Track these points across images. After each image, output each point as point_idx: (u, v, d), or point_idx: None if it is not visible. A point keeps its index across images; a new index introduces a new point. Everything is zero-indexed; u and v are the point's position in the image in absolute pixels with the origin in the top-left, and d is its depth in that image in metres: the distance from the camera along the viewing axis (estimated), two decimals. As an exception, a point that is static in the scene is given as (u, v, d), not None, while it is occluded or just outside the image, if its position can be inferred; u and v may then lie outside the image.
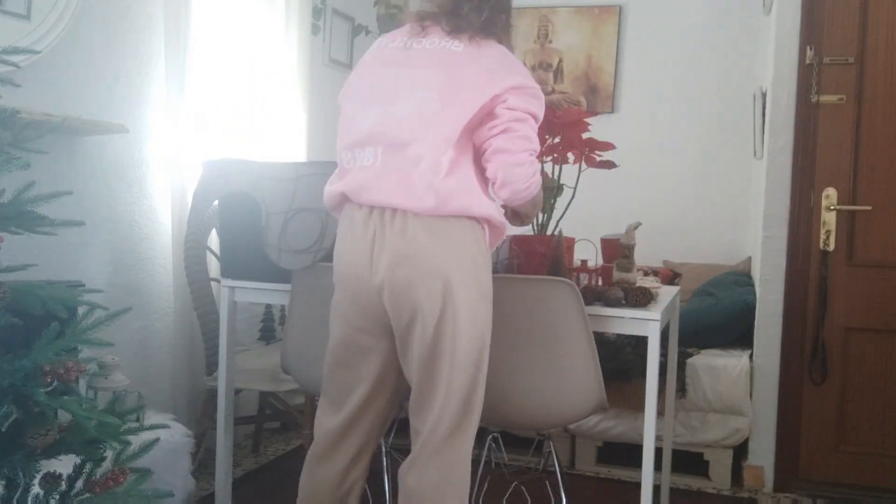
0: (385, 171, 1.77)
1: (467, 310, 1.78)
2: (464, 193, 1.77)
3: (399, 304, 1.78)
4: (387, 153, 1.78)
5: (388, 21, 4.17)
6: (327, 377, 1.97)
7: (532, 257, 2.22)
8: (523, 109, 1.77)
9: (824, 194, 3.07)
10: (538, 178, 1.84)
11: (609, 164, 2.28)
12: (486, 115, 1.77)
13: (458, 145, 1.75)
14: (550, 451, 2.39)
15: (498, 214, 1.84)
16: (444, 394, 1.82)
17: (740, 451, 3.23)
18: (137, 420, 2.02)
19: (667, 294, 2.39)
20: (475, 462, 2.45)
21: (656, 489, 2.29)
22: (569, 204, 2.26)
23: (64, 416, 1.49)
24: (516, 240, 2.29)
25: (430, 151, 1.74)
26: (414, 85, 1.79)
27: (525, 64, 4.39)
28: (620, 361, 3.12)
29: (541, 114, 1.82)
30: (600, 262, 2.47)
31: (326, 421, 1.97)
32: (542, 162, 2.26)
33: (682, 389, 3.14)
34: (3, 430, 1.44)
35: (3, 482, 1.45)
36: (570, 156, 2.27)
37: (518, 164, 1.76)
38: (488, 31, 1.83)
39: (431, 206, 1.74)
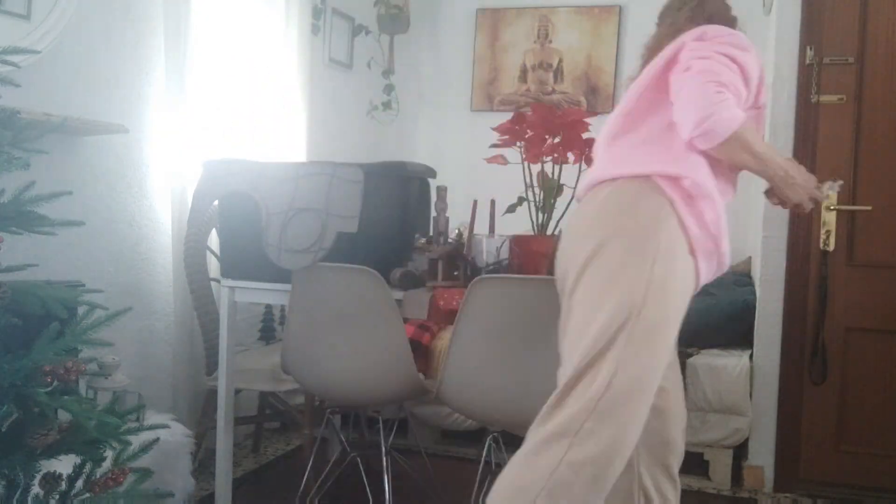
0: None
1: (606, 271, 1.62)
2: (627, 154, 1.72)
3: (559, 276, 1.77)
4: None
5: (389, 21, 4.18)
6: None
7: (532, 257, 2.22)
8: (709, 51, 1.66)
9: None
10: (732, 111, 1.60)
11: (609, 164, 2.28)
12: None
13: (638, 115, 1.75)
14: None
15: (678, 168, 1.65)
16: (568, 358, 1.68)
17: (740, 451, 3.23)
18: (137, 420, 2.02)
19: (667, 294, 2.39)
20: (475, 462, 2.45)
21: (656, 489, 2.28)
22: (569, 204, 2.26)
23: (64, 416, 1.49)
24: (516, 240, 2.29)
25: (613, 130, 1.78)
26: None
27: (525, 64, 4.40)
28: (620, 361, 3.11)
29: (743, 60, 1.69)
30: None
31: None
32: (542, 162, 2.27)
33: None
34: (3, 430, 1.44)
35: (3, 482, 1.45)
36: (570, 156, 2.27)
37: (701, 89, 1.60)
38: (693, 23, 1.84)
39: (594, 178, 1.75)
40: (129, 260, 2.79)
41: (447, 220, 2.48)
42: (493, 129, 2.34)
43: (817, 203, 1.87)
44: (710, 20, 1.86)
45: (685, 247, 1.67)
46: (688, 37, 1.74)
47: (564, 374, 1.69)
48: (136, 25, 2.77)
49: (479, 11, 4.49)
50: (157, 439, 1.65)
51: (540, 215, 2.28)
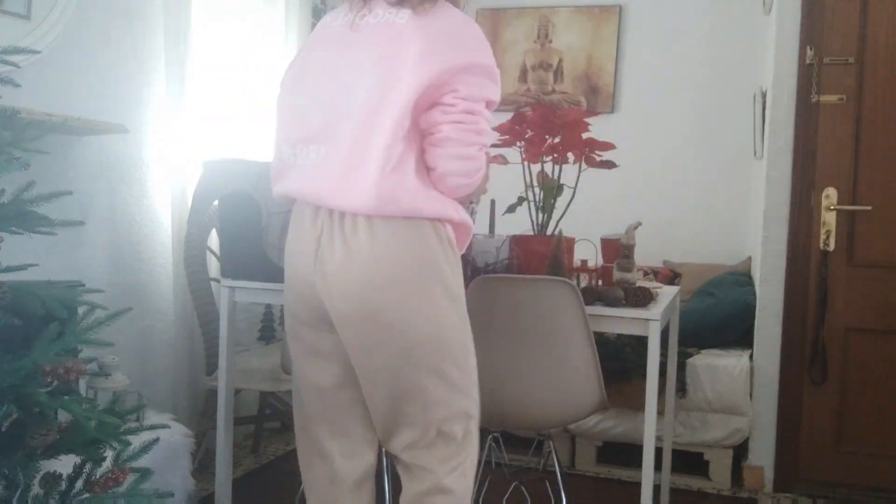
0: (329, 168, 1.60)
1: (433, 315, 1.62)
2: (414, 192, 1.59)
3: (349, 310, 1.60)
4: (331, 150, 1.61)
5: None
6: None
7: (532, 257, 2.22)
8: (477, 98, 1.59)
9: (824, 194, 3.07)
10: (482, 175, 1.68)
11: (609, 164, 2.28)
12: (436, 96, 1.58)
13: (407, 136, 1.57)
14: (550, 451, 2.39)
15: (456, 212, 1.66)
16: (421, 408, 1.65)
17: (740, 451, 3.23)
18: (137, 420, 2.02)
19: (667, 294, 2.39)
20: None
21: (656, 489, 2.29)
22: (569, 204, 2.26)
23: (64, 416, 1.49)
24: (516, 240, 2.29)
25: (375, 145, 1.55)
26: (358, 69, 1.60)
27: (525, 64, 4.40)
28: (620, 361, 3.12)
29: (496, 97, 1.64)
30: (600, 262, 2.47)
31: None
32: (542, 162, 2.27)
33: (682, 389, 3.14)
34: (3, 430, 1.44)
35: (3, 482, 1.45)
36: (570, 156, 2.27)
37: (464, 157, 1.60)
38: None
39: (377, 206, 1.56)
40: (129, 260, 2.79)
41: (447, 220, 2.48)
42: (493, 129, 2.34)
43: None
44: None
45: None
46: (450, 60, 1.57)
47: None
48: (135, 25, 2.77)
49: (479, 11, 4.48)
50: (157, 439, 1.65)
51: (540, 215, 2.28)
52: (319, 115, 1.64)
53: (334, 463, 1.76)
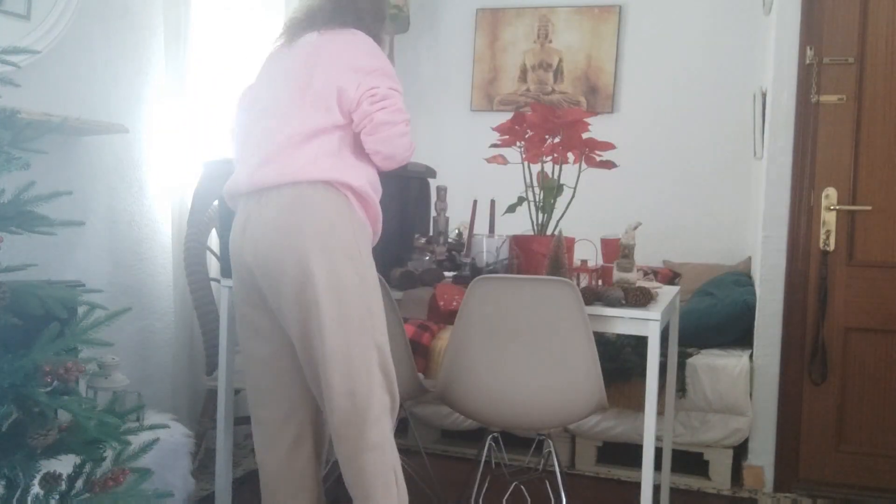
0: (249, 163, 1.95)
1: (329, 273, 1.84)
2: (309, 162, 1.88)
3: (263, 270, 1.89)
4: (250, 146, 1.98)
5: (388, 21, 4.17)
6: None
7: (532, 257, 2.22)
8: (388, 87, 1.93)
9: (824, 194, 3.07)
10: (412, 147, 2.00)
11: (609, 164, 2.28)
12: (350, 94, 1.90)
13: (311, 123, 1.90)
14: (550, 451, 2.39)
15: (359, 182, 1.92)
16: (326, 367, 1.85)
17: (740, 451, 3.23)
18: (137, 420, 2.02)
19: (667, 294, 2.39)
20: (475, 462, 2.45)
21: (656, 489, 2.29)
22: (569, 204, 2.26)
23: (64, 416, 1.49)
24: (516, 240, 2.29)
25: (286, 135, 1.90)
26: (278, 79, 2.00)
27: (525, 64, 4.40)
28: (620, 361, 3.12)
29: (400, 88, 1.98)
30: (600, 262, 2.47)
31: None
32: (542, 162, 2.27)
33: (682, 389, 3.14)
34: (3, 430, 1.44)
35: (3, 482, 1.45)
36: (570, 156, 2.27)
37: (400, 134, 1.93)
38: (343, 20, 2.00)
39: (277, 178, 1.87)
40: (129, 260, 2.79)
41: (447, 220, 2.48)
42: (493, 128, 2.34)
43: None
44: (360, 21, 2.06)
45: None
46: (356, 63, 1.94)
47: None
48: (135, 25, 2.77)
49: (479, 11, 4.48)
50: (157, 439, 1.65)
51: (540, 215, 2.28)
52: (258, 132, 2.01)
53: (268, 428, 2.03)
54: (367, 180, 1.95)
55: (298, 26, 2.03)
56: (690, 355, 3.24)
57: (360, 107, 1.90)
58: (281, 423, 2.03)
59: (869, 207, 3.03)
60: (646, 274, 2.73)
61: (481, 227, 2.48)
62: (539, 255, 2.20)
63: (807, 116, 3.08)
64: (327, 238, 1.86)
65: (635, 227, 2.33)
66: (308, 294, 1.83)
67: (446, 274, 2.37)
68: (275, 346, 1.99)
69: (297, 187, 1.87)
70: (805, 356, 3.12)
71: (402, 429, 3.38)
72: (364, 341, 1.88)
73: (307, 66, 1.94)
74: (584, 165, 2.27)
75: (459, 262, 2.39)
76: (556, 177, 2.28)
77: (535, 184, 2.27)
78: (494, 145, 2.34)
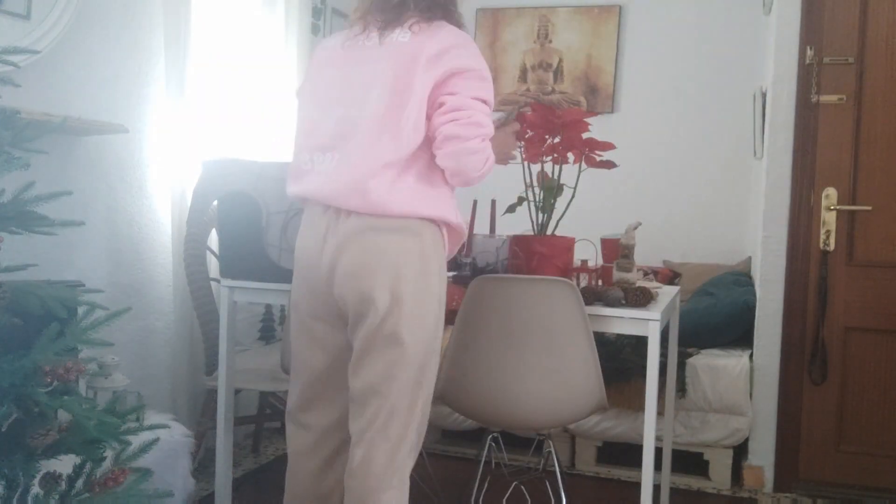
0: (339, 173, 1.78)
1: (416, 306, 1.76)
2: (415, 196, 1.76)
3: (347, 290, 1.78)
4: (343, 156, 1.78)
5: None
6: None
7: (532, 257, 2.22)
8: (470, 95, 1.74)
9: (824, 194, 3.07)
10: (491, 164, 1.80)
11: (609, 164, 2.28)
12: (437, 102, 1.74)
13: (410, 143, 1.74)
14: (550, 451, 2.39)
15: (454, 216, 1.83)
16: (384, 395, 1.77)
17: (740, 451, 3.23)
18: (137, 420, 2.02)
19: (667, 294, 2.39)
20: (475, 462, 2.45)
21: (656, 489, 2.29)
22: (569, 204, 2.26)
23: (64, 416, 1.49)
24: (516, 240, 2.29)
25: (382, 153, 1.73)
26: (368, 84, 1.78)
27: (525, 64, 4.40)
28: (620, 361, 3.12)
29: (490, 97, 1.79)
30: (600, 262, 2.47)
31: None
32: (542, 162, 2.27)
33: (682, 389, 3.14)
34: (3, 430, 1.44)
35: (3, 482, 1.45)
36: (570, 156, 2.27)
37: (470, 151, 1.73)
38: (431, 13, 1.80)
39: (381, 209, 1.73)
40: (129, 260, 2.79)
41: (447, 220, 2.48)
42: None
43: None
44: (447, 15, 1.84)
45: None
46: (444, 67, 1.73)
47: None
48: (135, 25, 2.77)
49: (479, 11, 4.48)
50: (157, 439, 1.65)
51: (540, 215, 2.28)
52: (332, 125, 1.81)
53: (312, 433, 1.95)
54: (457, 210, 1.85)
55: (385, 20, 1.81)
56: (690, 355, 3.24)
57: (432, 116, 1.75)
58: (326, 431, 1.94)
59: (869, 207, 3.03)
60: (646, 274, 2.73)
61: (481, 227, 2.48)
62: (539, 255, 2.20)
63: (807, 116, 3.08)
64: (422, 278, 1.77)
65: (635, 227, 2.33)
66: (392, 319, 1.75)
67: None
68: (334, 359, 1.90)
69: (405, 221, 1.75)
70: (805, 356, 3.12)
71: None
72: (421, 380, 1.81)
73: (407, 72, 1.74)
74: (584, 165, 2.26)
75: (459, 262, 2.39)
76: (556, 177, 2.28)
77: (535, 184, 2.27)
78: (494, 145, 2.33)
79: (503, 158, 2.06)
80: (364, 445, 1.79)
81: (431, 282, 1.80)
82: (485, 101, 1.77)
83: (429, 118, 1.75)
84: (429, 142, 1.77)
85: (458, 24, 1.85)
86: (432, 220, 1.79)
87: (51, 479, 1.50)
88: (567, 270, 2.21)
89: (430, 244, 1.80)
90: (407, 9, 1.79)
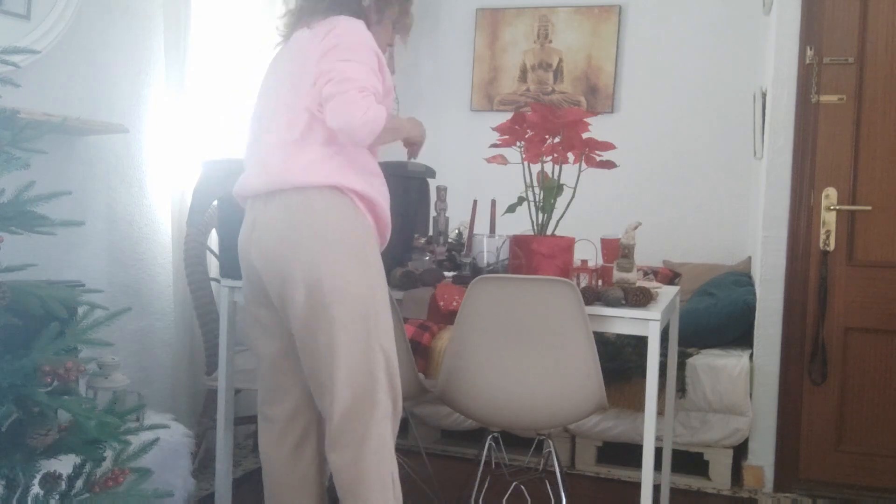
0: (253, 164, 1.97)
1: (337, 278, 1.83)
2: (313, 165, 1.86)
3: (270, 273, 1.90)
4: (254, 148, 1.98)
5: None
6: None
7: (532, 257, 2.22)
8: (338, 58, 1.83)
9: (824, 194, 3.07)
10: (375, 115, 1.80)
11: (609, 164, 2.28)
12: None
13: (305, 122, 1.88)
14: (550, 451, 2.39)
15: (363, 186, 1.90)
16: (331, 368, 1.85)
17: (740, 451, 3.23)
18: (137, 420, 2.02)
19: (667, 294, 2.39)
20: (475, 462, 2.45)
21: (656, 489, 2.29)
22: (569, 204, 2.26)
23: (64, 416, 1.49)
24: (517, 240, 2.29)
25: (281, 135, 1.90)
26: (275, 80, 1.99)
27: (525, 64, 4.40)
28: (620, 361, 3.12)
29: (367, 58, 1.86)
30: (600, 262, 2.47)
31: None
32: (542, 162, 2.26)
33: (682, 389, 3.14)
34: (3, 430, 1.44)
35: (3, 482, 1.45)
36: (570, 156, 2.27)
37: (349, 101, 1.78)
38: (332, 12, 1.94)
39: (282, 182, 1.87)
40: (129, 260, 2.79)
41: (447, 220, 2.48)
42: (493, 128, 2.34)
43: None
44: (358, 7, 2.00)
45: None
46: (321, 45, 1.87)
47: None
48: (135, 25, 2.77)
49: (479, 11, 4.48)
50: (157, 439, 1.65)
51: (540, 215, 2.28)
52: (255, 127, 2.02)
53: (276, 425, 2.05)
54: (372, 185, 1.94)
55: (292, 21, 2.04)
56: (690, 355, 3.24)
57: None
58: (288, 420, 2.04)
59: (869, 207, 3.03)
60: (646, 274, 2.73)
61: (481, 227, 2.48)
62: (539, 255, 2.20)
63: (807, 116, 3.08)
64: (335, 243, 1.85)
65: (635, 227, 2.33)
66: (315, 297, 1.83)
67: (446, 274, 2.37)
68: (283, 343, 2.01)
69: (303, 192, 1.86)
70: (805, 356, 3.12)
71: (402, 429, 3.37)
72: (370, 345, 1.87)
73: (303, 64, 1.92)
74: (584, 165, 2.26)
75: (459, 262, 2.39)
76: (556, 177, 2.28)
77: (535, 184, 2.27)
78: (494, 145, 2.34)
79: (413, 142, 2.21)
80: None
81: (349, 246, 1.87)
82: (360, 63, 1.83)
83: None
84: (322, 120, 1.86)
85: (370, 22, 1.99)
86: (337, 188, 1.87)
87: (51, 479, 1.50)
88: (567, 270, 2.21)
89: (337, 209, 1.87)
90: (311, 12, 1.98)
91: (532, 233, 2.29)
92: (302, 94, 1.88)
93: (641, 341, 2.17)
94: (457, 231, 2.61)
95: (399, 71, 4.36)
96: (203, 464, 2.95)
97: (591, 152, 2.24)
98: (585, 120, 2.21)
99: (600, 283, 2.33)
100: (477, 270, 2.27)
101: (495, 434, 2.48)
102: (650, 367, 2.07)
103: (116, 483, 1.53)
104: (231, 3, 3.31)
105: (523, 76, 4.41)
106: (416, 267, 2.33)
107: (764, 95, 3.33)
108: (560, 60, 4.36)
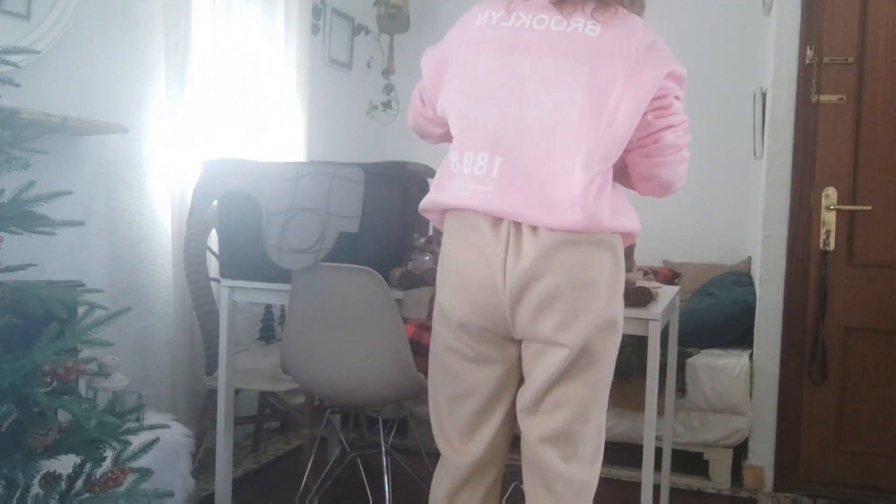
0: (512, 183, 1.50)
1: (609, 328, 1.64)
2: (618, 212, 1.55)
3: (541, 313, 1.54)
4: (513, 163, 1.51)
5: (388, 21, 4.17)
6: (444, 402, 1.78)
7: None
8: (676, 90, 1.59)
9: (824, 194, 3.07)
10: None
11: (610, 164, 2.27)
12: (649, 107, 1.55)
13: (605, 157, 1.51)
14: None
15: (637, 223, 1.63)
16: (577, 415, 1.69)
17: (740, 451, 3.23)
18: (137, 420, 2.02)
19: (667, 294, 2.39)
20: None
21: (656, 489, 2.29)
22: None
23: (64, 416, 1.49)
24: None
25: (575, 166, 1.48)
26: (546, 81, 1.51)
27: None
28: (620, 361, 3.10)
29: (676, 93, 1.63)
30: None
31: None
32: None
33: (682, 389, 3.14)
34: (3, 430, 1.44)
35: (3, 482, 1.45)
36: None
37: (682, 161, 1.63)
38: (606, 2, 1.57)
39: (579, 225, 1.48)
40: (129, 260, 2.79)
41: (447, 220, 2.48)
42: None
43: None
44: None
45: None
46: (659, 71, 1.55)
47: None
48: (135, 25, 2.77)
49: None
50: (157, 439, 1.65)
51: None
52: (493, 121, 1.54)
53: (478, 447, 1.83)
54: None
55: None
56: (690, 355, 3.24)
57: (645, 118, 1.54)
58: (486, 460, 1.83)
59: (869, 207, 3.03)
60: (646, 274, 2.72)
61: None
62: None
63: (806, 116, 3.08)
64: (618, 298, 1.61)
65: (635, 227, 2.32)
66: (592, 351, 1.65)
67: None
68: (505, 368, 1.68)
69: (596, 238, 1.52)
70: (805, 356, 3.12)
71: (402, 429, 3.38)
72: (602, 402, 1.74)
73: (605, 72, 1.51)
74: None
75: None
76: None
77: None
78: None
79: None
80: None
81: (620, 298, 1.63)
82: (680, 99, 1.62)
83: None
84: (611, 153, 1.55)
85: (639, 12, 1.69)
86: (616, 233, 1.57)
87: (51, 479, 1.50)
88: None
89: (614, 256, 1.57)
90: None
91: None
92: (614, 124, 1.50)
93: (641, 341, 2.17)
94: (457, 231, 2.61)
95: (399, 71, 4.37)
96: (203, 464, 2.95)
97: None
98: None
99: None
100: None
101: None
102: (650, 366, 2.07)
103: (116, 483, 1.53)
104: (231, 2, 3.31)
105: (523, 76, 4.41)
106: (416, 267, 2.33)
107: (764, 95, 3.33)
108: (560, 60, 4.35)
